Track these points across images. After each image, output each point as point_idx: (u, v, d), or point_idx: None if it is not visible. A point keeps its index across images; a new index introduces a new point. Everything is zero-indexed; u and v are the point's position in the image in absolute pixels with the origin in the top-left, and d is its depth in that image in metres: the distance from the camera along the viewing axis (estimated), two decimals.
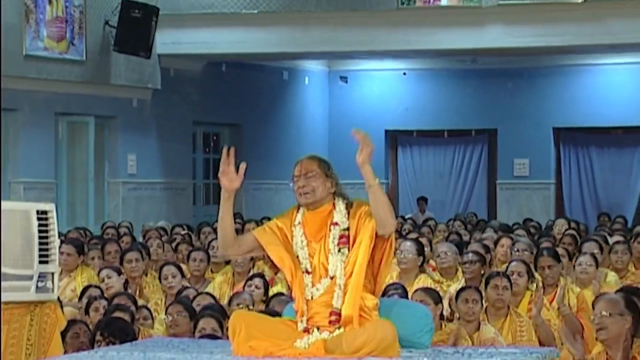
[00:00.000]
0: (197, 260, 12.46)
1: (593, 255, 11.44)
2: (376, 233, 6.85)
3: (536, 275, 10.89)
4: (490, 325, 9.22)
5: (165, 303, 10.59)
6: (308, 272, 6.96)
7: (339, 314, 6.84)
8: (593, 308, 7.59)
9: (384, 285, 7.20)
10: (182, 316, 9.19)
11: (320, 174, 6.96)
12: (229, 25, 21.78)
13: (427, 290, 9.33)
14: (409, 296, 9.44)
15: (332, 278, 6.92)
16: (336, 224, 6.96)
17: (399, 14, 21.32)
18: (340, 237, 6.93)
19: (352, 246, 6.92)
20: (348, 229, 6.95)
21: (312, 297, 6.93)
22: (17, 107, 19.60)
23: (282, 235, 7.06)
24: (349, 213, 6.98)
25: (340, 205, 7.00)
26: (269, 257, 7.34)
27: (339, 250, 6.92)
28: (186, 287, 11.10)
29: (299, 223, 7.04)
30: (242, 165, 7.07)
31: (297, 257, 7.00)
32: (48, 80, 20.00)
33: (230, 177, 7.03)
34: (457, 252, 12.25)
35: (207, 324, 8.79)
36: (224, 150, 7.06)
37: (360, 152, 6.70)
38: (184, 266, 12.39)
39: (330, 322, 6.85)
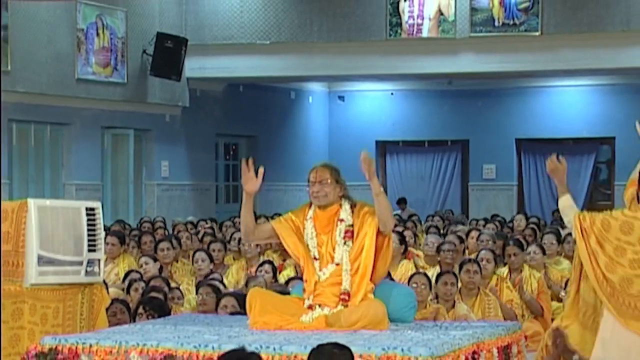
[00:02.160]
0: (216, 250, 12.44)
1: (540, 245, 11.41)
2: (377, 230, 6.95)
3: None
4: (464, 304, 9.21)
5: (194, 284, 10.55)
6: (316, 259, 7.01)
7: (349, 294, 6.90)
8: (565, 287, 7.54)
9: (382, 274, 7.16)
10: (210, 297, 9.18)
11: (332, 181, 7.05)
12: (245, 53, 21.76)
13: (422, 274, 9.36)
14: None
15: (337, 265, 6.96)
16: (342, 220, 7.06)
17: (387, 44, 21.29)
18: (346, 231, 7.03)
19: (356, 239, 7.01)
20: (352, 225, 7.03)
21: (319, 279, 6.96)
22: (69, 122, 19.60)
23: (294, 226, 7.13)
24: (353, 212, 7.07)
25: (346, 206, 7.09)
26: (282, 245, 7.32)
27: (345, 243, 7.01)
28: (212, 272, 11.14)
29: (310, 218, 7.12)
30: (261, 170, 7.13)
31: (307, 245, 7.04)
32: (95, 99, 19.99)
33: (252, 182, 7.08)
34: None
35: (229, 301, 8.79)
36: (243, 161, 7.13)
37: (365, 170, 6.87)
38: None
39: (341, 300, 6.88)
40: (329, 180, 7.04)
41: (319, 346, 5.59)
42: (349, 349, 5.55)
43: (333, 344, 5.59)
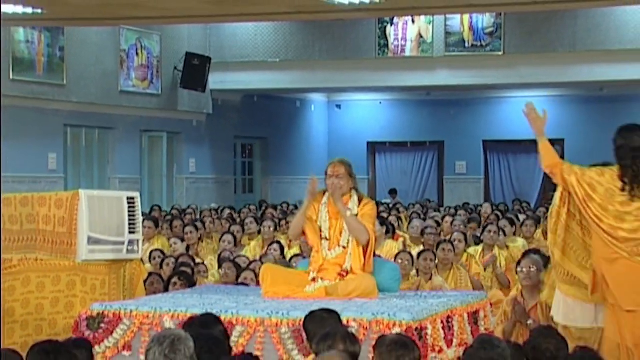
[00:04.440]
0: (235, 232, 12.42)
1: (498, 226, 11.28)
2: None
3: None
4: (439, 276, 9.18)
5: (218, 261, 10.54)
6: (326, 239, 6.95)
7: (347, 272, 6.88)
8: (518, 264, 7.48)
9: (372, 260, 7.09)
10: (231, 271, 9.17)
11: (346, 175, 6.96)
12: (259, 69, 21.72)
13: (407, 252, 9.33)
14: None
15: (344, 247, 6.91)
16: (349, 210, 6.93)
17: (376, 62, 21.27)
18: None
19: None
20: (357, 215, 6.94)
21: (326, 257, 6.92)
22: (114, 127, 19.57)
23: (312, 211, 7.02)
24: (359, 204, 6.98)
25: (355, 197, 6.99)
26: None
27: None
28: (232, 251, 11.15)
29: (325, 204, 7.02)
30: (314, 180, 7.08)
31: (320, 227, 6.97)
32: (135, 107, 19.97)
33: (313, 194, 7.02)
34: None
35: (248, 274, 8.80)
36: (312, 178, 7.09)
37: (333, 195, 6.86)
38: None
39: (340, 275, 6.86)
40: (344, 174, 6.94)
41: (311, 312, 5.58)
42: (336, 313, 5.54)
43: (323, 310, 5.58)
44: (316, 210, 7.02)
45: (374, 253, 7.13)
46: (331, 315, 5.47)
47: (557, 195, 6.47)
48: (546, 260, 7.38)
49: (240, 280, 8.72)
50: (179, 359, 4.28)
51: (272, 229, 12.19)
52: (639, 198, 6.21)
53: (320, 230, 6.98)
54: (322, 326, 5.29)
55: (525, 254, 7.68)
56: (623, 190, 6.22)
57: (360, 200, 6.99)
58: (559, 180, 6.45)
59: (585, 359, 4.69)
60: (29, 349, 4.88)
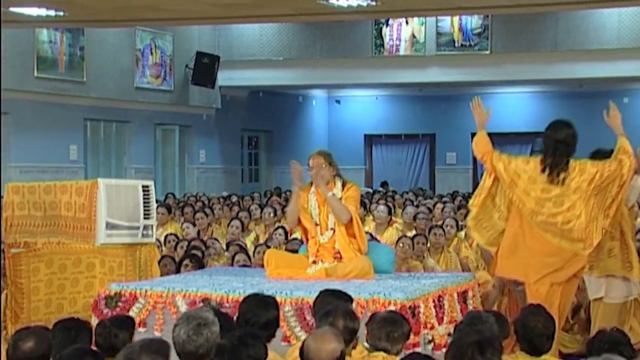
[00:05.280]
0: (242, 218, 12.40)
1: None
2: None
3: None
4: (431, 259, 9.18)
5: (225, 244, 10.53)
6: (317, 225, 6.97)
7: (340, 253, 6.90)
8: None
9: (364, 237, 7.08)
10: (239, 254, 9.16)
11: (326, 165, 6.99)
12: (264, 67, 21.69)
13: (407, 237, 9.34)
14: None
15: (332, 230, 6.93)
16: (333, 193, 6.94)
17: (373, 60, 21.24)
18: None
19: None
20: (341, 199, 6.95)
21: (320, 241, 6.93)
22: (130, 120, 19.55)
23: (303, 199, 7.04)
24: (343, 189, 6.99)
25: (338, 183, 7.01)
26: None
27: None
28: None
29: (313, 192, 7.07)
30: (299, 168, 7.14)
31: (311, 214, 7.00)
32: (149, 102, 19.94)
33: (300, 180, 7.06)
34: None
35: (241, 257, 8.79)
36: (293, 163, 7.16)
37: (315, 180, 6.91)
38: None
39: (335, 257, 6.87)
40: (323, 165, 6.97)
41: (324, 291, 5.52)
42: (347, 295, 5.49)
43: (334, 291, 5.50)
44: (306, 200, 7.05)
45: (374, 238, 7.14)
46: (341, 296, 5.43)
47: (486, 177, 6.83)
48: None
49: (242, 263, 8.70)
50: (200, 342, 4.23)
51: (272, 215, 12.17)
52: (556, 185, 6.43)
53: (312, 217, 7.00)
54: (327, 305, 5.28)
55: None
56: (544, 175, 6.46)
57: (343, 185, 7.01)
58: (488, 166, 6.79)
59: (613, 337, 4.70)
60: (53, 325, 4.88)
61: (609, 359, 3.53)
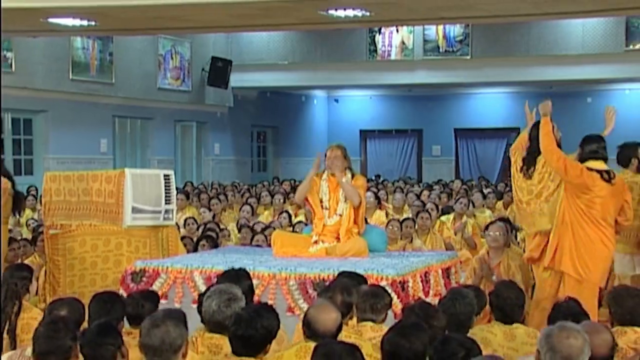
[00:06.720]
0: (251, 203, 12.41)
1: (468, 198, 11.18)
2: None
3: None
4: (419, 239, 9.17)
5: (237, 226, 10.52)
6: (326, 209, 6.95)
7: (339, 236, 6.88)
8: (486, 229, 7.42)
9: (362, 220, 7.08)
10: (248, 235, 9.16)
11: (341, 157, 6.96)
12: (271, 70, 21.67)
13: (396, 220, 9.31)
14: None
15: (340, 215, 6.91)
16: (348, 180, 6.95)
17: (367, 64, 21.22)
18: None
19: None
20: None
21: (326, 224, 6.92)
22: (153, 117, 19.52)
23: (314, 184, 7.01)
24: (352, 179, 6.99)
25: (349, 175, 7.00)
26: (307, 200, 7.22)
27: (345, 201, 6.94)
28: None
29: (325, 179, 7.02)
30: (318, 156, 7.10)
31: (321, 199, 6.97)
32: (170, 101, 19.91)
33: (318, 167, 7.03)
34: (405, 198, 12.21)
35: (260, 237, 8.78)
36: (318, 154, 7.12)
37: (331, 168, 6.89)
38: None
39: (337, 239, 6.87)
40: (340, 156, 6.94)
41: (342, 272, 5.46)
42: (362, 277, 5.42)
43: (351, 273, 5.43)
44: (317, 185, 7.02)
45: (366, 220, 7.12)
46: (355, 277, 5.38)
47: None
48: (511, 226, 7.47)
49: (254, 243, 8.71)
50: (228, 314, 4.35)
51: (281, 201, 12.18)
52: (530, 178, 6.57)
53: (321, 202, 6.98)
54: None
55: (494, 221, 7.67)
56: (521, 171, 6.60)
57: (352, 176, 7.01)
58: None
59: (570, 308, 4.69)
60: (91, 298, 4.88)
61: (562, 325, 3.55)
